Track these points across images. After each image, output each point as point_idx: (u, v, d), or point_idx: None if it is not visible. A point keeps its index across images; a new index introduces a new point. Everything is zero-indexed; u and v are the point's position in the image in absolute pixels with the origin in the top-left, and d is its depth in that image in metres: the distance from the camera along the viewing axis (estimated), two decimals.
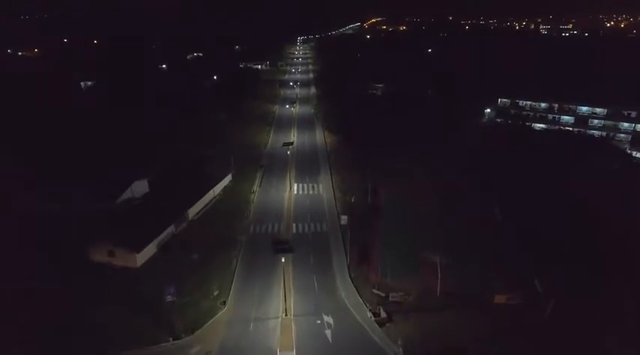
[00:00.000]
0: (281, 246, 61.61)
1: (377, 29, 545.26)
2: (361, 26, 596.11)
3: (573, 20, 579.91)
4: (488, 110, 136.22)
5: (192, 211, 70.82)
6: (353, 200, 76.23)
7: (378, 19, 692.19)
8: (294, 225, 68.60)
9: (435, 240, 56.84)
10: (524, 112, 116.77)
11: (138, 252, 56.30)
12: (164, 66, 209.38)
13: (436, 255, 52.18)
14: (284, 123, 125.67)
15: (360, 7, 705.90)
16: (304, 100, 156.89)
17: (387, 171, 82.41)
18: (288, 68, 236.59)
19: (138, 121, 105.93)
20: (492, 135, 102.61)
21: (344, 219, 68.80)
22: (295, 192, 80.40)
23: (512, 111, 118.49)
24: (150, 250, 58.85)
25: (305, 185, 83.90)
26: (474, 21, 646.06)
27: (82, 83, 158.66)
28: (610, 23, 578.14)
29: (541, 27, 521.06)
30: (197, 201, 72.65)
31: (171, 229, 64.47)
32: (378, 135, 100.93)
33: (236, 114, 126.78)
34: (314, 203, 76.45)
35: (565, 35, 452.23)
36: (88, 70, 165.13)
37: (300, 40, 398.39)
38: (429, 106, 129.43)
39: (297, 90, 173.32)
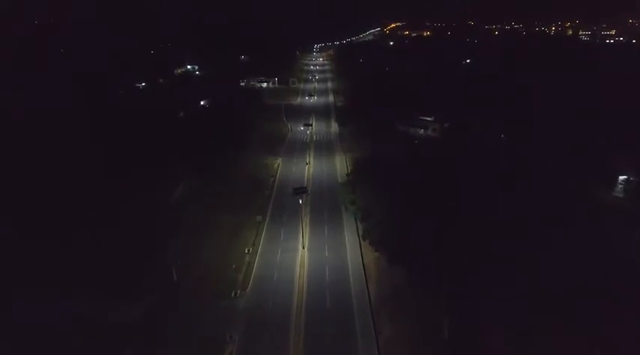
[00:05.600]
0: None
1: (399, 34, 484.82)
2: (382, 31, 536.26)
3: (604, 25, 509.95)
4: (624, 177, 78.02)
5: None
6: None
7: (399, 23, 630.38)
8: None
9: None
10: None
11: None
12: (143, 84, 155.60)
13: None
14: (287, 208, 68.51)
15: (378, 10, 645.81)
16: (323, 146, 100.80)
17: None
18: (302, 86, 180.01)
19: None
20: None
21: None
22: None
23: None
24: None
25: None
26: (498, 25, 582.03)
27: None
28: None
29: (581, 33, 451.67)
30: None
31: None
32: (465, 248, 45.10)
33: (207, 184, 71.61)
34: None
35: (610, 42, 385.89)
36: None
37: (317, 47, 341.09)
38: (524, 166, 72.14)
39: (313, 126, 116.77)
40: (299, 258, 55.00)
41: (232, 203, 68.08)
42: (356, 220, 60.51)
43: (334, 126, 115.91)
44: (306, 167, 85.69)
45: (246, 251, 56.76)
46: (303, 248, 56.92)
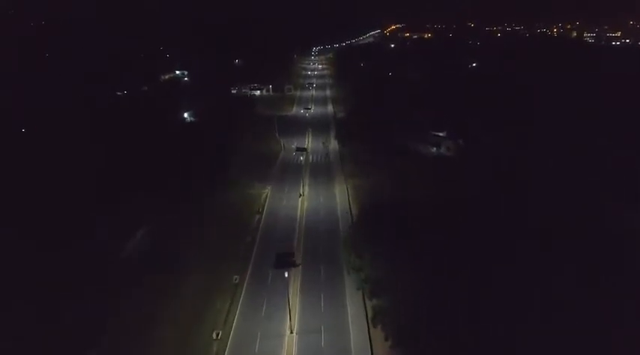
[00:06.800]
0: None
1: (399, 36, 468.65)
2: (382, 33, 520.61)
3: (606, 27, 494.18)
4: None
5: None
6: None
7: (398, 25, 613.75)
8: None
9: None
10: None
11: None
12: (125, 92, 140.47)
13: None
14: (273, 262, 53.21)
15: (377, 10, 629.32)
16: (321, 170, 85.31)
17: None
18: (298, 94, 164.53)
19: None
20: None
21: None
22: None
23: None
24: None
25: None
26: (499, 27, 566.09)
27: None
28: None
29: (585, 34, 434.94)
30: None
31: None
32: None
33: (174, 229, 56.18)
34: None
35: (616, 44, 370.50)
36: None
37: (315, 51, 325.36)
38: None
39: (309, 148, 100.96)
40: (285, 350, 39.73)
41: (203, 255, 52.86)
42: (363, 292, 44.94)
43: (333, 144, 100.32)
44: (300, 199, 70.36)
45: (215, 336, 41.43)
46: (292, 332, 41.64)
